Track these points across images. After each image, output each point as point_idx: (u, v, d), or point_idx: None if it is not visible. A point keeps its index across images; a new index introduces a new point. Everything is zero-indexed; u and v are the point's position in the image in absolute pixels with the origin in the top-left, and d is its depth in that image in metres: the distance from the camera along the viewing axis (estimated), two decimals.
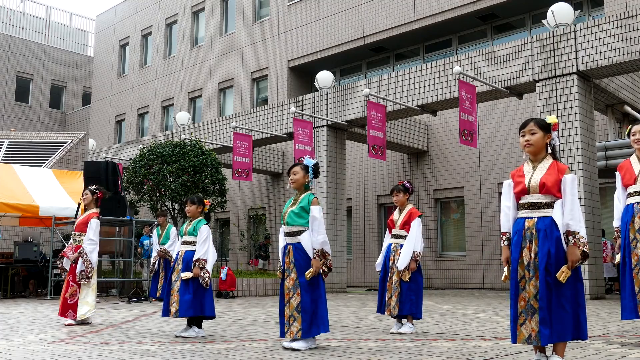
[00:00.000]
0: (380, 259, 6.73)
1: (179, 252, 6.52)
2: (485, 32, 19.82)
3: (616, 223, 5.45)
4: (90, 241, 7.50)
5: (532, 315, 3.84)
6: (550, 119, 4.08)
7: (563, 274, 3.82)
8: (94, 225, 7.54)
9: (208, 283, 6.29)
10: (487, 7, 18.56)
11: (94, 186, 8.00)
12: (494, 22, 19.56)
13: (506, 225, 4.12)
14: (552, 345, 3.92)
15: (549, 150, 4.09)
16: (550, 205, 3.94)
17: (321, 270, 5.25)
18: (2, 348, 5.24)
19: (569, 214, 3.88)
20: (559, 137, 4.24)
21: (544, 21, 13.35)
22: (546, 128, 4.06)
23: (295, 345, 5.09)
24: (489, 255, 17.42)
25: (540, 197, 3.97)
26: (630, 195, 5.35)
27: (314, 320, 5.16)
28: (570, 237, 3.86)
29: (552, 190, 3.93)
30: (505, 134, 17.19)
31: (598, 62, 12.03)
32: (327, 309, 5.34)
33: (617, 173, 5.53)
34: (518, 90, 13.73)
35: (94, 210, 7.73)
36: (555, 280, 3.83)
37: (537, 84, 12.81)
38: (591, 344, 5.15)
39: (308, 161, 5.52)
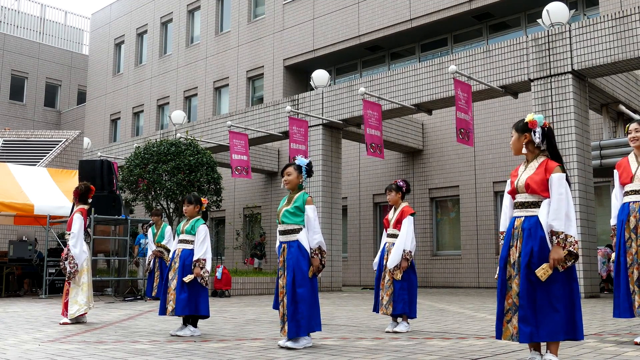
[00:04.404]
0: (376, 259, 6.74)
1: (175, 250, 6.52)
2: (481, 31, 19.85)
3: (613, 221, 5.45)
4: (72, 234, 7.46)
5: (515, 312, 3.87)
6: (528, 117, 4.10)
7: (542, 271, 3.81)
8: (75, 218, 7.51)
9: (207, 282, 6.32)
10: (483, 6, 18.59)
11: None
12: (489, 22, 19.59)
13: (504, 224, 4.16)
14: (546, 344, 3.94)
15: (542, 148, 4.10)
16: (537, 205, 3.97)
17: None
18: None
19: (553, 213, 3.89)
20: (555, 135, 4.23)
21: (539, 20, 13.38)
22: (521, 129, 4.10)
23: (290, 344, 5.10)
24: (484, 254, 17.46)
25: (527, 196, 4.01)
26: (626, 193, 5.35)
27: (308, 319, 5.16)
28: (554, 237, 3.87)
29: (537, 190, 3.96)
30: (501, 133, 17.22)
31: (593, 61, 12.06)
32: (319, 307, 5.34)
33: (614, 171, 5.53)
34: (513, 90, 13.75)
35: (80, 206, 7.70)
36: (541, 279, 3.83)
37: (532, 83, 12.83)
38: (586, 342, 5.16)
39: (301, 161, 5.51)
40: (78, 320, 7.41)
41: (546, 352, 3.92)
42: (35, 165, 17.06)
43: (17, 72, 35.32)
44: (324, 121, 16.33)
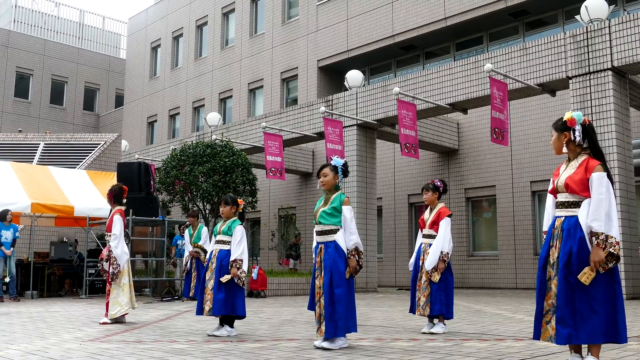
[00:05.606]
0: (412, 259, 6.69)
1: (212, 251, 6.57)
2: (517, 29, 19.56)
3: None
4: (113, 236, 7.56)
5: (554, 314, 3.80)
6: (566, 115, 4.03)
7: (585, 275, 3.73)
8: (115, 220, 7.62)
9: (244, 282, 6.35)
10: (518, 3, 18.31)
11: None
12: (525, 19, 19.29)
13: (547, 224, 4.10)
14: (587, 346, 3.86)
15: (584, 145, 4.04)
16: (577, 205, 3.89)
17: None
18: (39, 346, 5.35)
19: (593, 214, 3.80)
20: (595, 132, 4.13)
21: (577, 17, 13.13)
22: (560, 128, 4.03)
23: (326, 344, 5.10)
24: (522, 254, 17.20)
25: (568, 196, 3.94)
26: None
27: (345, 319, 5.15)
28: (594, 238, 3.77)
29: (576, 190, 3.88)
30: (538, 131, 16.94)
31: (633, 57, 11.78)
32: (355, 308, 5.33)
33: None
34: (551, 87, 13.52)
35: (117, 207, 7.80)
36: (579, 281, 3.75)
37: (570, 81, 12.60)
38: (629, 345, 5.04)
39: (337, 161, 5.51)
40: (118, 320, 7.53)
41: (587, 354, 3.84)
42: (75, 167, 17.44)
43: (57, 77, 36.14)
44: (358, 121, 16.30)
